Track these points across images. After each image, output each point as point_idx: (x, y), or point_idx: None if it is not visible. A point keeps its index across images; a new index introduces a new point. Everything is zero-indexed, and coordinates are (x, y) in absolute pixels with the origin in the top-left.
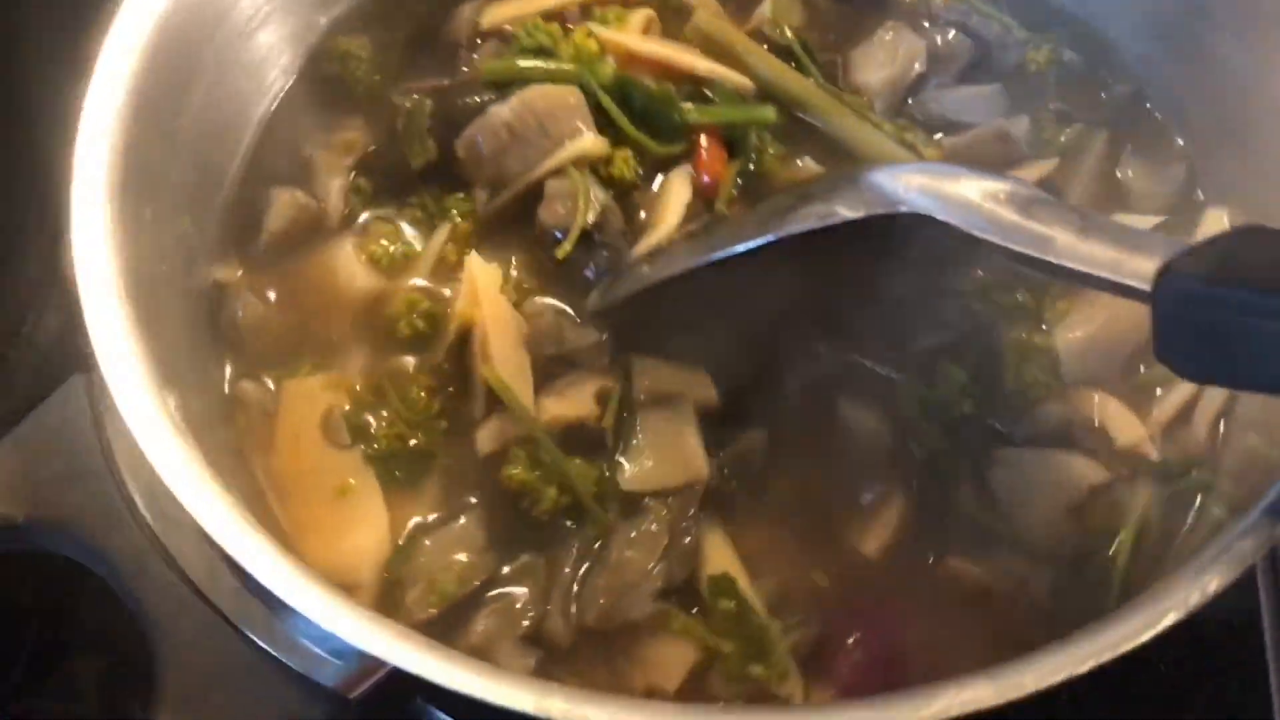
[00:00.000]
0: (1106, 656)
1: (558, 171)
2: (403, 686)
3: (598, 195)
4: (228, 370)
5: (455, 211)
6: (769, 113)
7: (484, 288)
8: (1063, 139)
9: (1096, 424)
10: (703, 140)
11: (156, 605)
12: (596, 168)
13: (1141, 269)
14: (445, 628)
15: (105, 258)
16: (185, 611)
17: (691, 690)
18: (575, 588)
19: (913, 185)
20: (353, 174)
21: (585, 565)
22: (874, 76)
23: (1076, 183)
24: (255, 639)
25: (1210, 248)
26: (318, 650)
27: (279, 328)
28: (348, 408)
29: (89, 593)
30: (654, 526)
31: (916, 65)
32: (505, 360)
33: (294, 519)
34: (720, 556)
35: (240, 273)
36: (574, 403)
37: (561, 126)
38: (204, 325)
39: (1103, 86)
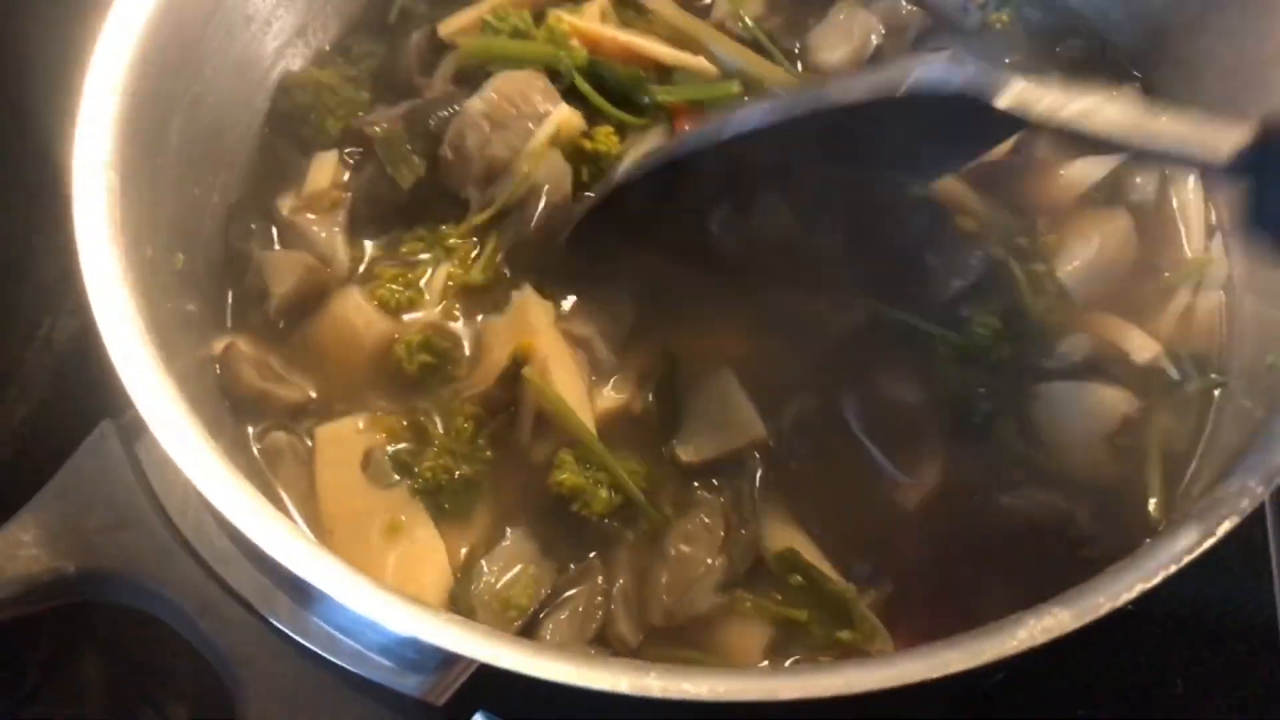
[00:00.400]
0: (1171, 569)
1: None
2: (486, 689)
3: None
4: (249, 430)
5: (452, 240)
6: (733, 87)
7: (539, 320)
8: None
9: (1114, 348)
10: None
11: (228, 640)
12: (581, 144)
13: (1233, 136)
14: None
15: (122, 297)
16: (259, 642)
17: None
18: (637, 588)
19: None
20: (343, 220)
21: (645, 564)
22: (834, 55)
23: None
24: (335, 660)
25: None
26: (390, 663)
27: (296, 381)
28: (389, 448)
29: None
30: (708, 518)
31: (873, 38)
32: (565, 387)
33: (349, 561)
34: (784, 533)
35: (244, 338)
36: (615, 394)
37: (536, 105)
38: (218, 396)
39: (1058, 41)
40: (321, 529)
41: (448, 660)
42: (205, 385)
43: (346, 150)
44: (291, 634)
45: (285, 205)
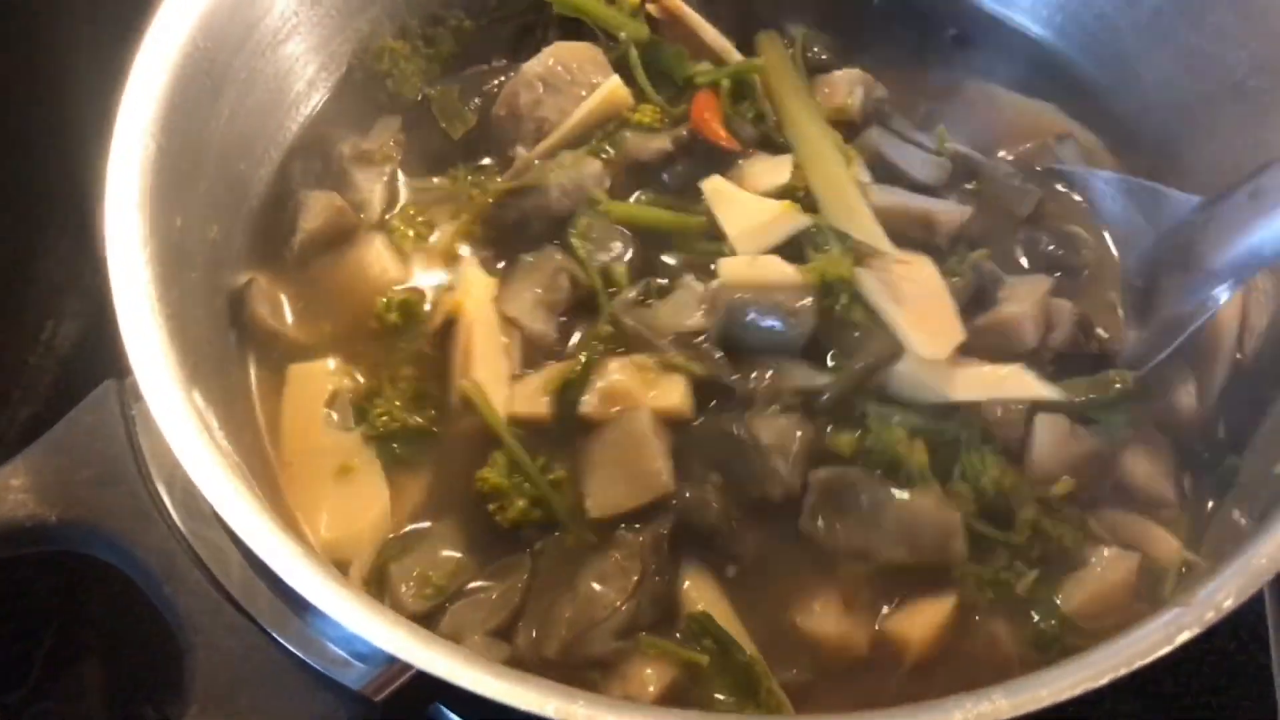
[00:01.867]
0: (1121, 672)
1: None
2: (426, 690)
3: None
4: (252, 368)
5: (475, 192)
6: (760, 63)
7: (477, 294)
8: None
9: None
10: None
11: (186, 606)
12: (625, 116)
13: None
14: (424, 615)
15: (139, 266)
16: (214, 613)
17: (671, 702)
18: (546, 609)
19: None
20: (391, 171)
21: (560, 582)
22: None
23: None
24: (283, 641)
25: None
26: (342, 653)
27: (304, 323)
28: (351, 394)
29: (104, 596)
30: (625, 560)
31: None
32: (486, 363)
33: (299, 497)
34: (702, 590)
35: (266, 275)
36: (533, 400)
37: (589, 75)
38: (227, 327)
39: None
40: (281, 461)
41: (391, 659)
42: (217, 326)
43: (409, 114)
44: (246, 608)
45: (343, 150)
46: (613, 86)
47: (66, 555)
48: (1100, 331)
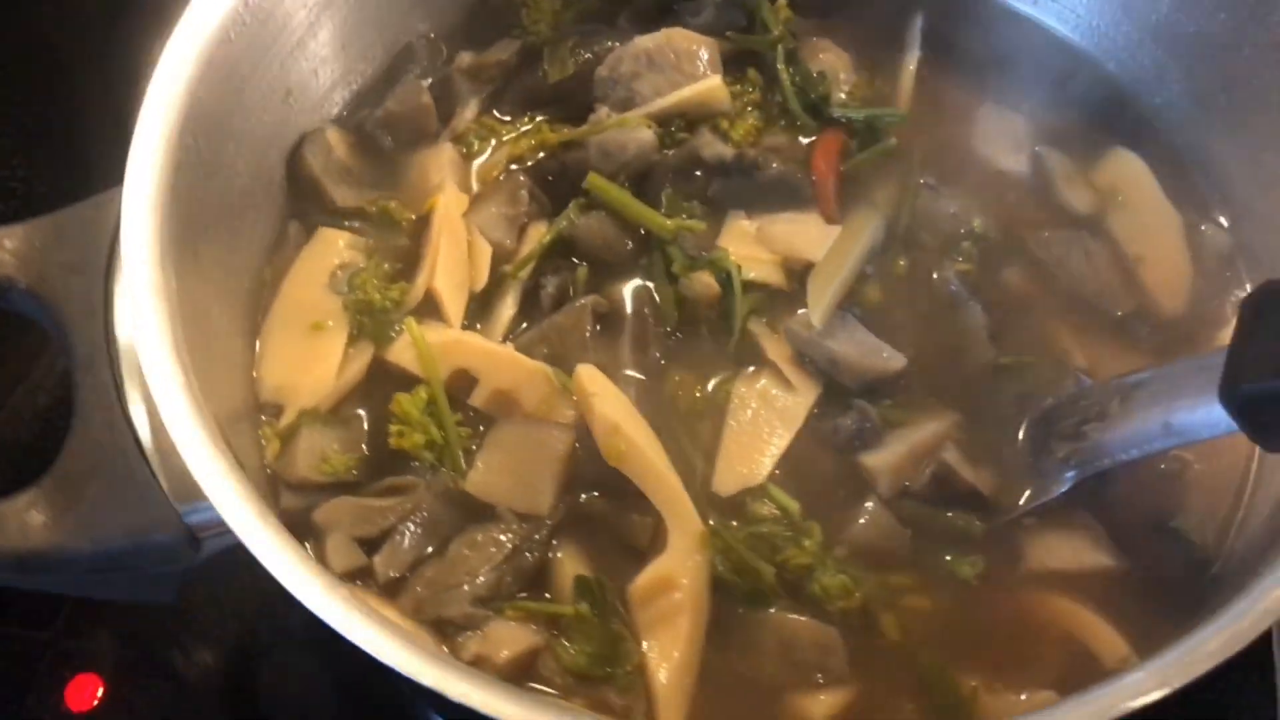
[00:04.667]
0: None
1: None
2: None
3: None
4: (275, 220)
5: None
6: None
7: (449, 205)
8: None
9: None
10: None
11: (86, 396)
12: (718, 123)
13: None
14: (305, 494)
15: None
16: (106, 409)
17: (521, 670)
18: (410, 551)
19: None
20: (490, 92)
21: (432, 530)
22: None
23: None
24: (150, 461)
25: (1247, 339)
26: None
27: (346, 189)
28: (359, 265)
29: None
30: (502, 535)
31: None
32: (447, 271)
33: (270, 339)
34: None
35: (338, 134)
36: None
37: (696, 66)
38: (277, 169)
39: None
40: (274, 297)
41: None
42: (263, 169)
43: (528, 47)
44: (132, 422)
45: (462, 58)
46: (712, 85)
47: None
48: (966, 479)
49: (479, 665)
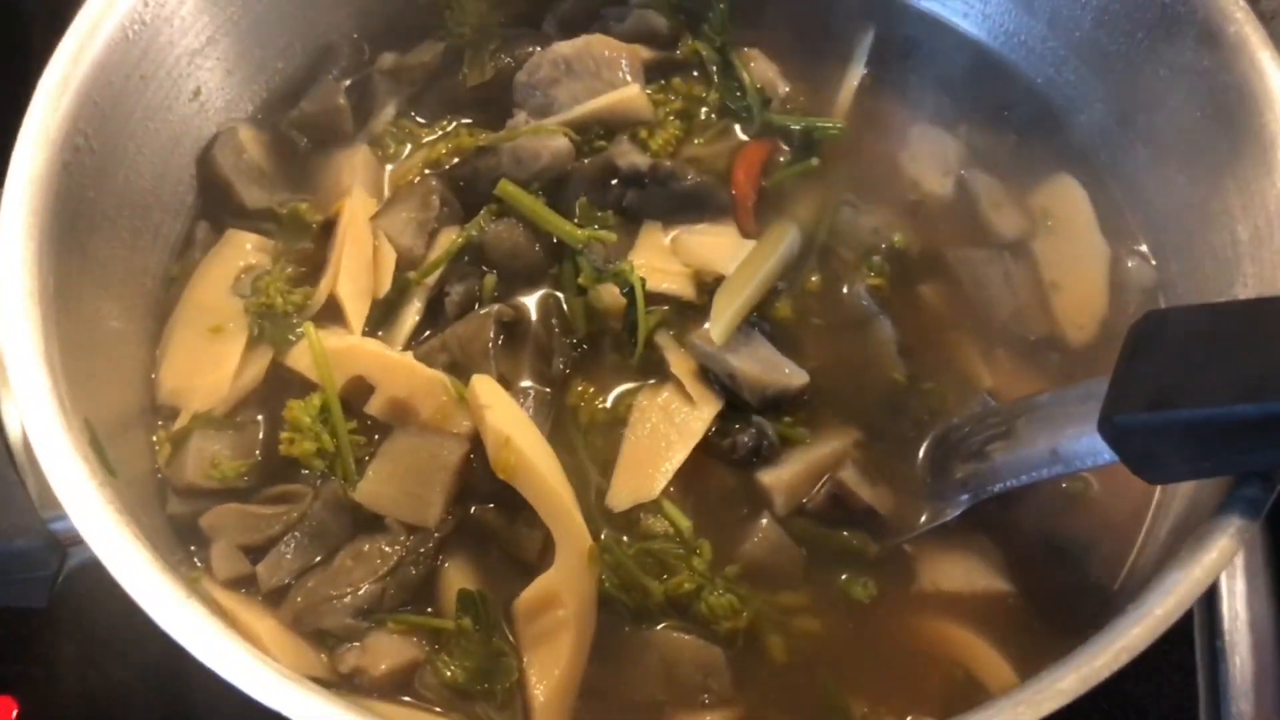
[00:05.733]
0: None
1: None
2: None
3: None
4: (191, 205)
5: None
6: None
7: (356, 210)
8: None
9: None
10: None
11: None
12: (637, 131)
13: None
14: (193, 499)
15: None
16: None
17: (399, 682)
18: (295, 559)
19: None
20: (410, 95)
21: (320, 540)
22: None
23: None
24: (19, 468)
25: (1125, 369)
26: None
27: (256, 190)
28: (265, 268)
29: None
30: (387, 547)
31: None
32: (350, 276)
33: (171, 341)
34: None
35: (252, 133)
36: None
37: (616, 74)
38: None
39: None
40: (180, 302)
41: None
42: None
43: (450, 48)
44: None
45: (384, 59)
46: (630, 93)
47: None
48: (863, 498)
49: (357, 676)
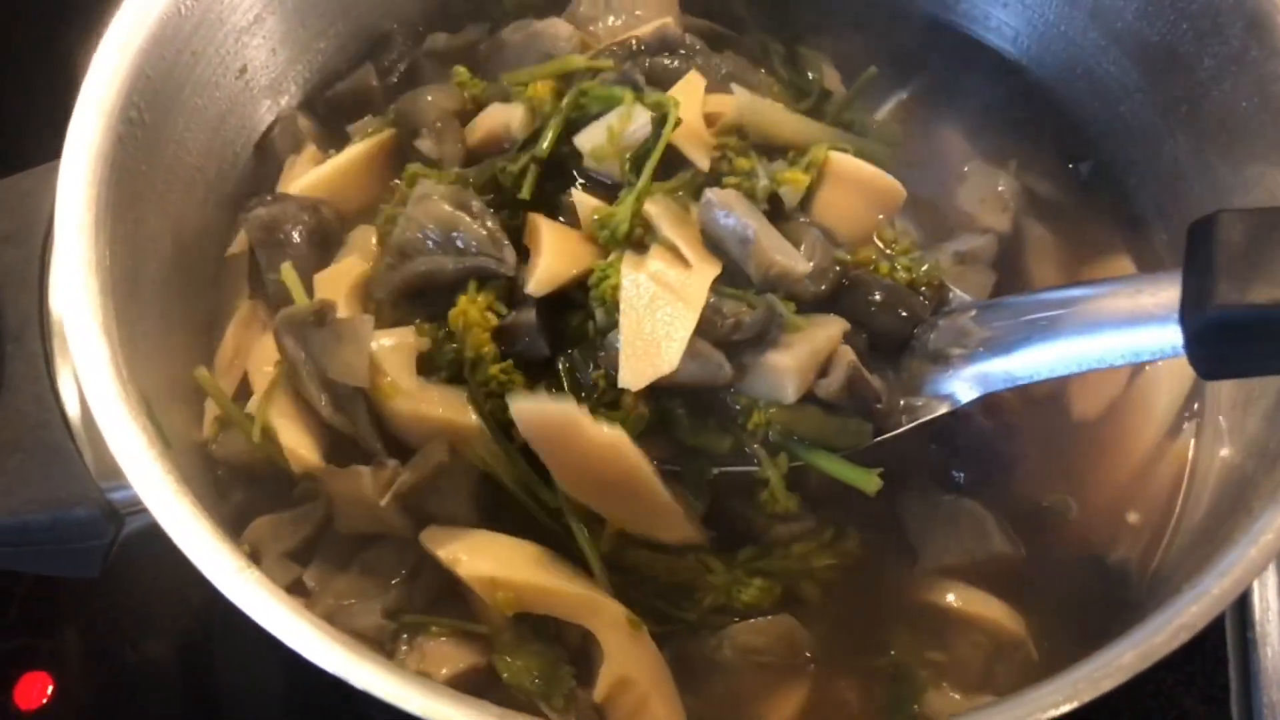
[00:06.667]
0: None
1: None
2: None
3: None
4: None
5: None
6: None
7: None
8: None
9: None
10: None
11: (15, 367)
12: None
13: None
14: (240, 503)
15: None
16: (35, 380)
17: (467, 682)
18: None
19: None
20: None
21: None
22: None
23: None
24: (75, 437)
25: (1203, 263)
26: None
27: None
28: None
29: None
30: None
31: None
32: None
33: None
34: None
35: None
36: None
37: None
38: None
39: None
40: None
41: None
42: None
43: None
44: (59, 395)
45: (437, 41)
46: (667, 22)
47: None
48: (872, 383)
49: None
